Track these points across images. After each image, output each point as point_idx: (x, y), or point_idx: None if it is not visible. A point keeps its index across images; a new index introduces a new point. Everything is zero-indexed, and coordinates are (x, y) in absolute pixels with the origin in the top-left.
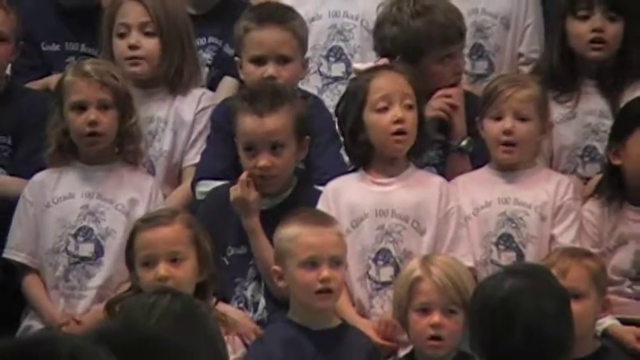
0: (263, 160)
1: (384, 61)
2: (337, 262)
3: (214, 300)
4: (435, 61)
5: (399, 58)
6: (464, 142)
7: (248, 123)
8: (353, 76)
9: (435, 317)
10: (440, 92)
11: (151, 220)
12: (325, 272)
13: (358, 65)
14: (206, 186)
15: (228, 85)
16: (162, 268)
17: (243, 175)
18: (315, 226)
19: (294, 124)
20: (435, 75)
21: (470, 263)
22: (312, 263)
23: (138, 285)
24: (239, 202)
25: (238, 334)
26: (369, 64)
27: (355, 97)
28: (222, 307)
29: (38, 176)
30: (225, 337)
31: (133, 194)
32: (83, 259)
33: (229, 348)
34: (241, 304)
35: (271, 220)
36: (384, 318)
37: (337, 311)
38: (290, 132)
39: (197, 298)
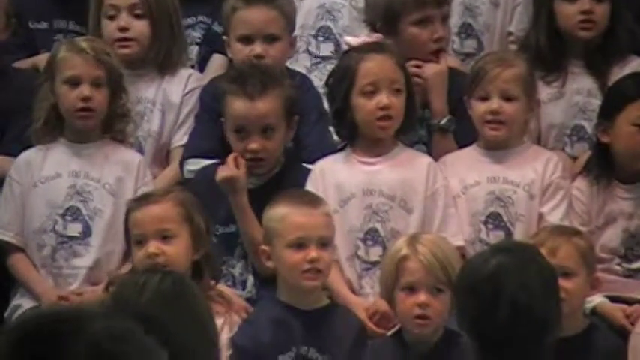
0: (254, 144)
1: (377, 36)
2: (325, 242)
3: (212, 279)
4: (411, 24)
5: (379, 26)
6: (443, 121)
7: (238, 106)
8: (345, 49)
9: (422, 296)
10: (412, 62)
11: (142, 199)
12: (313, 253)
13: (350, 39)
14: (194, 164)
15: (217, 62)
16: (152, 245)
17: (231, 156)
18: (304, 207)
19: (284, 105)
20: (412, 40)
21: (460, 242)
22: (300, 244)
23: (134, 264)
24: (226, 181)
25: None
26: (362, 39)
27: (344, 77)
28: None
29: (24, 155)
30: (224, 316)
31: (119, 173)
32: (71, 238)
33: (226, 327)
34: (229, 282)
35: (259, 199)
36: (377, 306)
37: (330, 289)
38: (280, 114)
39: (193, 277)
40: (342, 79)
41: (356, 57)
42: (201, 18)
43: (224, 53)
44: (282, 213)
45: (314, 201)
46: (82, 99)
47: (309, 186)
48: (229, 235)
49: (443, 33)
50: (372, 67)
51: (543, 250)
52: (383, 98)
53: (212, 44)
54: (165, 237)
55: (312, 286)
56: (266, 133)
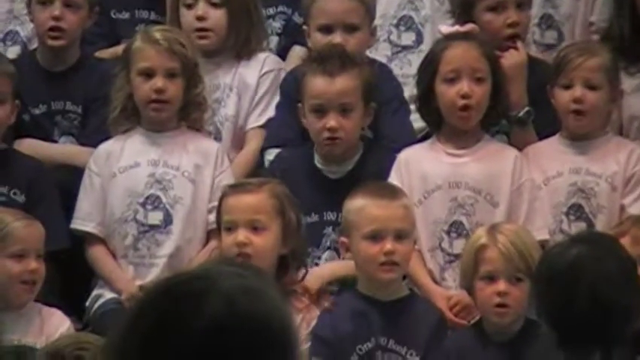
0: (332, 121)
1: (470, 26)
2: (402, 235)
3: (300, 273)
4: (485, 9)
5: (458, 14)
6: (522, 113)
7: (319, 83)
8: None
9: (501, 285)
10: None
11: (238, 186)
12: (389, 245)
13: (443, 28)
14: (275, 154)
15: (297, 54)
16: (241, 234)
17: None
18: (380, 199)
19: (363, 87)
20: (487, 26)
21: (545, 236)
22: (377, 236)
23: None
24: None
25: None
26: (455, 28)
27: (429, 64)
28: None
29: (102, 147)
30: (302, 313)
31: (197, 160)
32: (152, 227)
33: (304, 324)
34: None
35: (342, 189)
36: (460, 298)
37: (411, 278)
38: (359, 95)
39: (278, 271)
40: (428, 65)
41: (442, 44)
42: (281, 8)
43: (304, 44)
44: (359, 205)
45: (391, 193)
46: (155, 90)
47: (394, 175)
48: (312, 225)
49: (517, 18)
50: (455, 54)
51: (627, 239)
52: (464, 86)
53: (292, 35)
54: (255, 227)
55: (389, 278)
56: (345, 112)
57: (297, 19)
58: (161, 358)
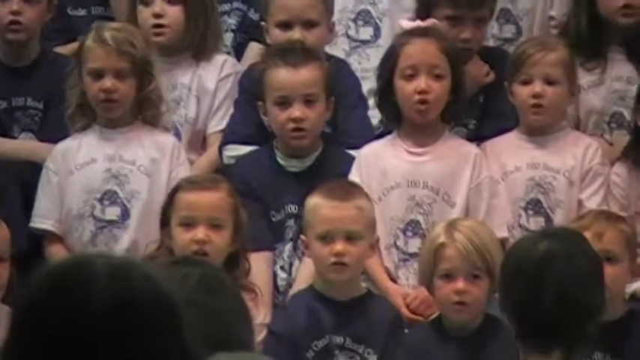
0: (297, 112)
1: (431, 21)
2: (354, 236)
3: (246, 269)
4: (440, 19)
5: (414, 11)
6: None
7: (282, 75)
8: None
9: (459, 283)
10: None
11: (196, 182)
12: (338, 246)
13: (404, 23)
14: (233, 150)
15: (254, 51)
16: (202, 232)
17: None
18: (332, 200)
19: (325, 79)
20: None
21: (504, 234)
22: (327, 237)
23: (168, 244)
24: None
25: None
26: (416, 23)
27: (388, 59)
28: None
29: (60, 145)
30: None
31: (153, 154)
32: (110, 222)
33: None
34: (282, 267)
35: (302, 183)
36: (419, 293)
37: (369, 275)
38: (321, 86)
39: (226, 267)
40: (387, 59)
41: (401, 39)
42: (236, 5)
43: (260, 41)
44: (313, 204)
45: (344, 193)
46: (103, 90)
47: (354, 171)
48: (278, 221)
49: (470, 35)
50: (414, 51)
51: (588, 234)
52: (421, 83)
53: (248, 32)
54: (214, 225)
55: (338, 279)
56: (309, 103)
57: (252, 15)
58: (62, 352)
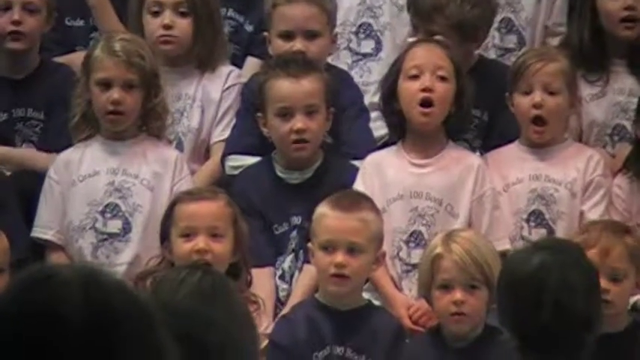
0: (299, 123)
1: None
2: (355, 249)
3: (248, 281)
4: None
5: (414, 24)
6: None
7: (284, 86)
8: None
9: (457, 294)
10: None
11: (195, 193)
12: (339, 258)
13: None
14: (236, 161)
15: (252, 67)
16: (202, 241)
17: None
18: (336, 210)
19: (325, 90)
20: None
21: (506, 246)
22: (329, 247)
23: (170, 258)
24: None
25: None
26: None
27: (394, 64)
28: None
29: (62, 155)
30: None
31: (156, 168)
32: (111, 235)
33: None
34: (282, 277)
35: (305, 194)
36: (421, 305)
37: (374, 284)
38: (322, 97)
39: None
40: (392, 66)
41: (408, 46)
42: (230, 13)
43: (257, 56)
44: (320, 213)
45: (349, 205)
46: (111, 102)
47: (359, 180)
48: (282, 234)
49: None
50: (419, 51)
51: (595, 251)
52: (425, 81)
53: (243, 45)
54: (214, 235)
55: (338, 291)
56: (310, 114)
57: (247, 27)
58: None
